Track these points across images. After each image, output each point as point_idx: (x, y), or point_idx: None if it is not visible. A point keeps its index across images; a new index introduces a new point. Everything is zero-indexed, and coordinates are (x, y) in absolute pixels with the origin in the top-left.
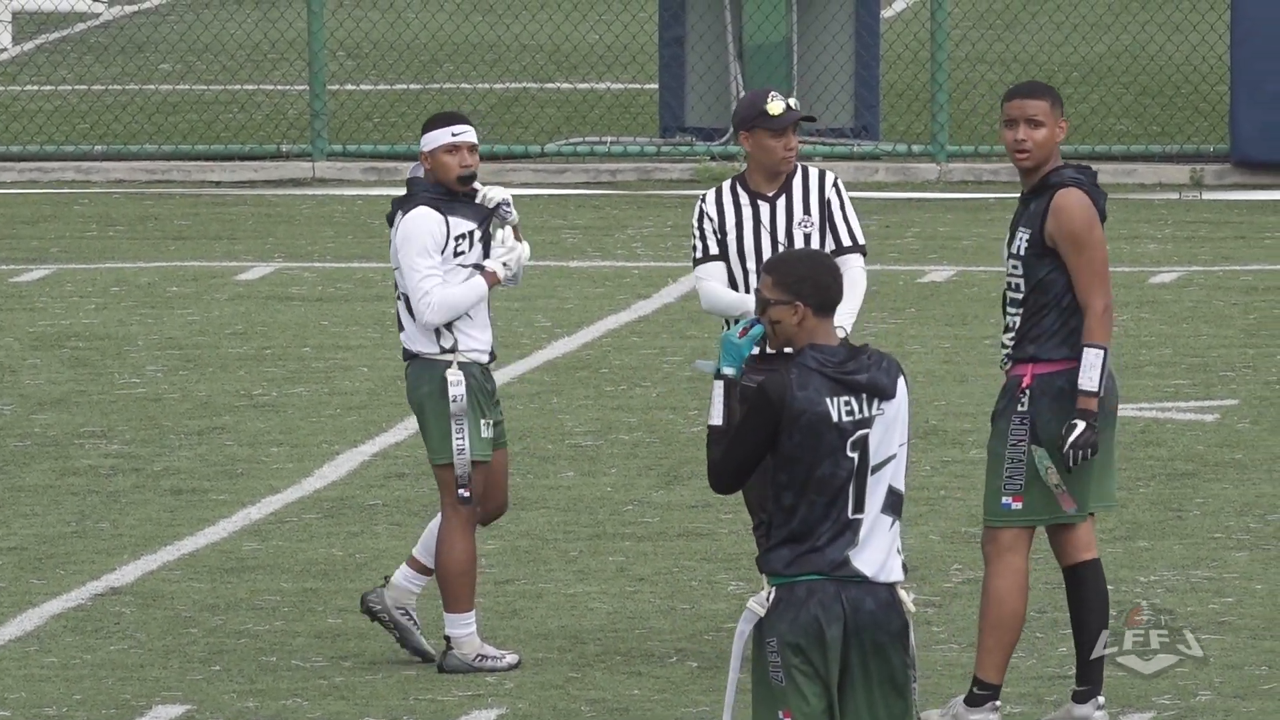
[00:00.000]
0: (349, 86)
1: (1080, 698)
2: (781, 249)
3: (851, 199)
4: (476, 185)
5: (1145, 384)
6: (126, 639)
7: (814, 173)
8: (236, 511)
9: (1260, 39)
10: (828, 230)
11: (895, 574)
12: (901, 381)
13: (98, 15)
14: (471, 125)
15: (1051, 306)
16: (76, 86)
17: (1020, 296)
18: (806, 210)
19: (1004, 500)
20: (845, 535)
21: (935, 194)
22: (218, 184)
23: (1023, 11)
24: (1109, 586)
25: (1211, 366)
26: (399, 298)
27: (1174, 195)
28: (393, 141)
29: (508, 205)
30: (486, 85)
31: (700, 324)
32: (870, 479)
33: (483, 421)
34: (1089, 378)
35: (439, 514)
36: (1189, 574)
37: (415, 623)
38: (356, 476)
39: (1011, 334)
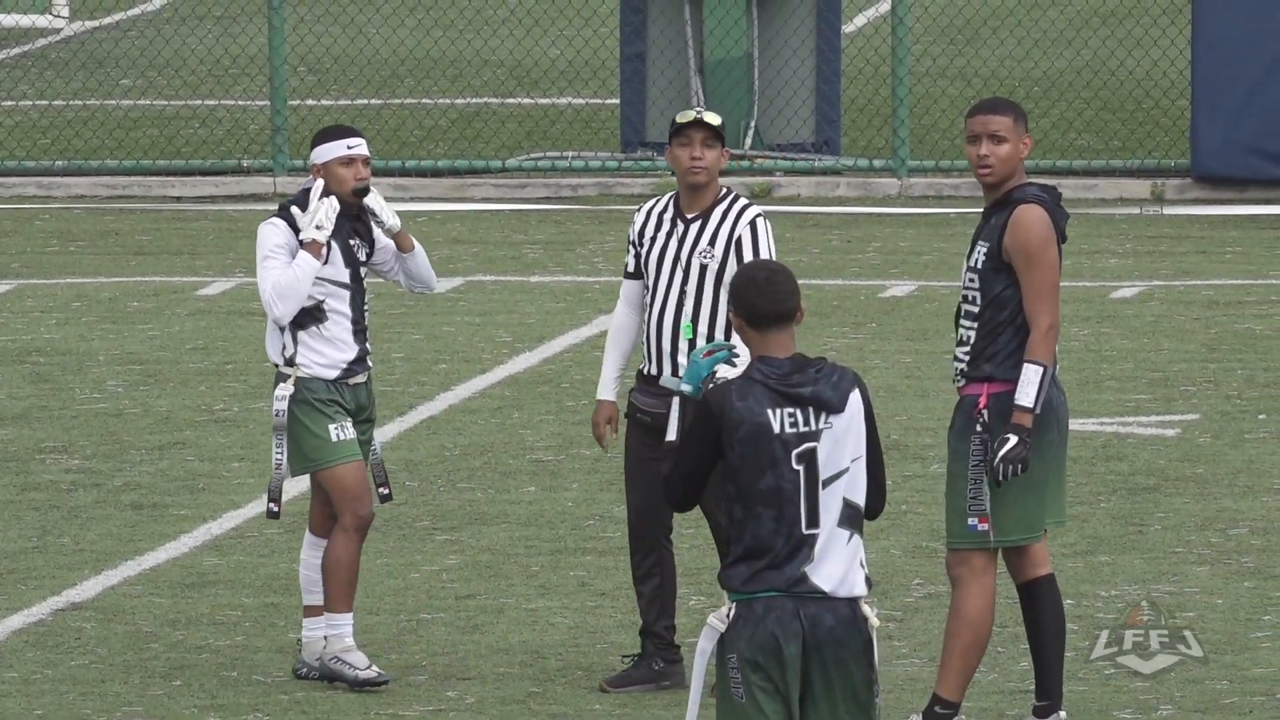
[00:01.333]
0: (310, 101)
1: (1040, 712)
2: (681, 274)
3: (780, 233)
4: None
5: (1106, 399)
6: (87, 654)
7: (738, 206)
8: (198, 526)
9: (1221, 54)
10: (735, 267)
11: (858, 589)
12: (855, 396)
13: (58, 31)
14: (365, 138)
15: (1007, 324)
16: (37, 102)
17: (976, 310)
18: (712, 242)
19: (970, 522)
20: (801, 551)
21: (896, 209)
22: (179, 199)
23: (984, 27)
24: (1069, 601)
25: (1172, 381)
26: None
27: (1135, 210)
28: None
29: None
30: (448, 100)
31: None
32: (822, 493)
33: (331, 426)
34: (1026, 394)
35: (307, 557)
36: (1150, 588)
37: (346, 661)
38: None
39: (965, 348)
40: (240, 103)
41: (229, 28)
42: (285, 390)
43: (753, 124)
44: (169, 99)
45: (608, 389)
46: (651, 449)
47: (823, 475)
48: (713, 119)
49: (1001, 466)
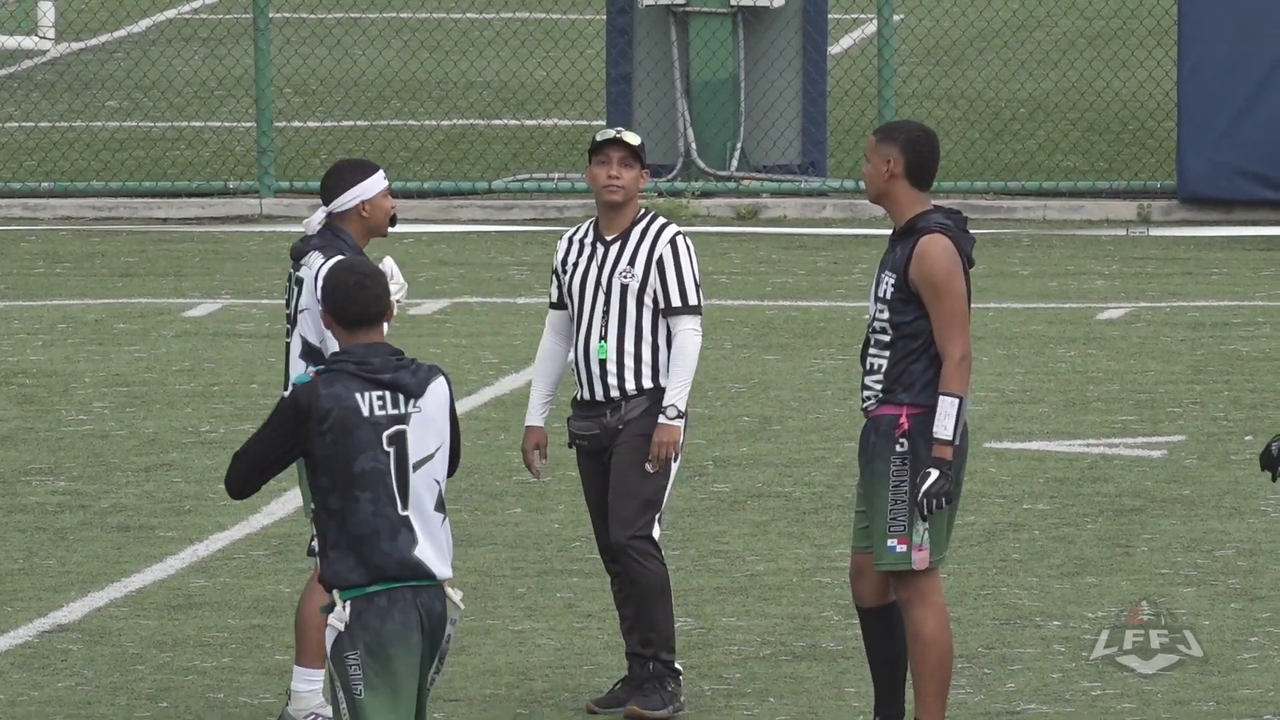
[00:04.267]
0: (296, 123)
1: None
2: (603, 296)
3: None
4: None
5: (1092, 420)
6: (74, 676)
7: (657, 225)
8: (184, 548)
9: (1207, 76)
10: (658, 287)
11: (447, 571)
12: (439, 385)
13: (44, 52)
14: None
15: (921, 353)
16: (23, 123)
17: (887, 339)
18: (631, 262)
19: (889, 543)
20: (402, 533)
21: (883, 230)
22: (165, 221)
23: (970, 48)
24: (1055, 623)
25: (1158, 402)
26: (292, 340)
27: (1121, 231)
28: None
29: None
30: (434, 122)
31: None
32: (413, 476)
33: None
34: (944, 426)
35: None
36: (1122, 611)
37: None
38: (303, 513)
39: (877, 376)
40: (226, 124)
41: (215, 49)
42: None
43: (739, 145)
44: (155, 121)
45: (535, 415)
46: (599, 474)
47: (412, 459)
48: (632, 138)
49: (925, 501)
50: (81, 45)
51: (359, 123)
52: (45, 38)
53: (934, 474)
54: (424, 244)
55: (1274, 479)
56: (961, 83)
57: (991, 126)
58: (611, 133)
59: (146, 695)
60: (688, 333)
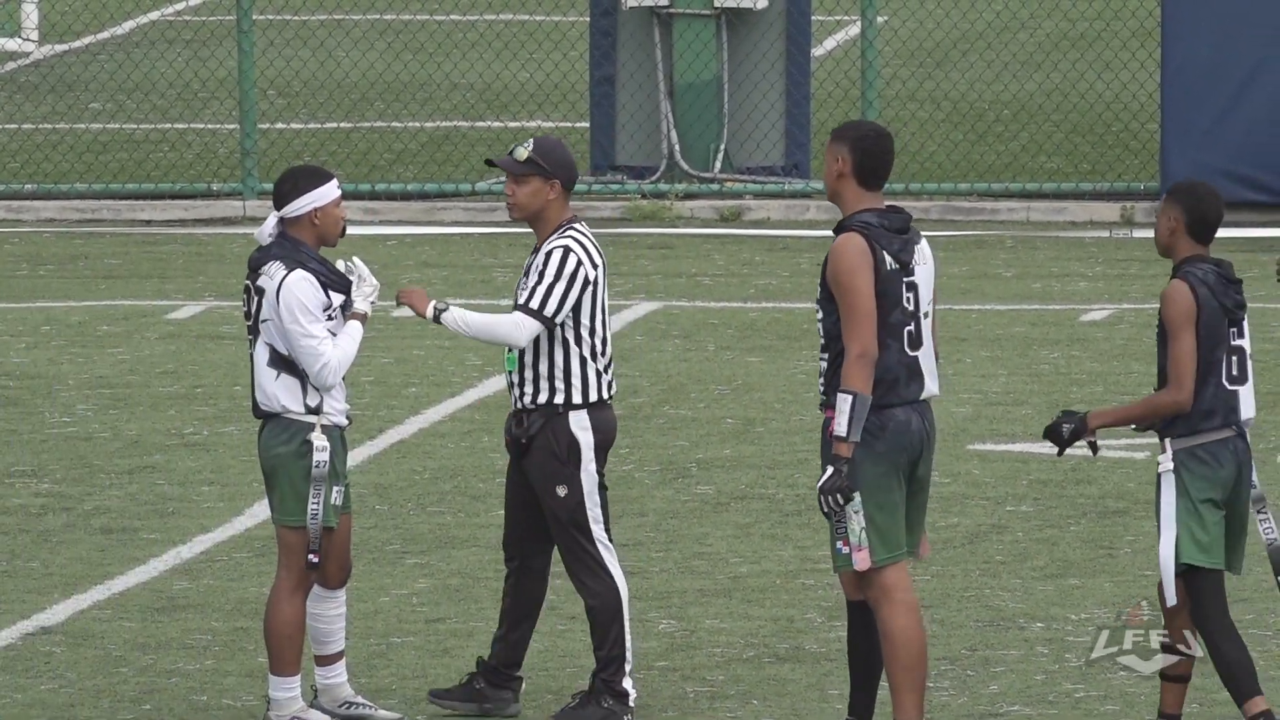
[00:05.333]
0: (280, 125)
1: None
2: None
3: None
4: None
5: None
6: (57, 678)
7: (556, 236)
8: (167, 550)
9: (1190, 77)
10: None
11: None
12: None
13: (28, 54)
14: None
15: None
16: (6, 125)
17: (824, 343)
18: (526, 273)
19: (837, 545)
20: None
21: None
22: (148, 223)
23: (953, 50)
24: (1039, 624)
25: None
26: (256, 351)
27: (1105, 233)
28: None
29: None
30: (417, 124)
31: (630, 362)
32: None
33: (335, 488)
34: (839, 423)
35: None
36: (1120, 612)
37: (364, 703)
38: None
39: (821, 380)
40: (210, 126)
41: (198, 51)
42: (320, 440)
43: (722, 147)
44: (138, 123)
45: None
46: (515, 472)
47: None
48: (520, 154)
49: (820, 498)
50: (65, 47)
51: (342, 124)
52: (29, 39)
53: (828, 471)
54: (407, 246)
55: (1059, 454)
56: (945, 84)
57: (975, 128)
58: (496, 159)
59: (130, 697)
60: (517, 315)
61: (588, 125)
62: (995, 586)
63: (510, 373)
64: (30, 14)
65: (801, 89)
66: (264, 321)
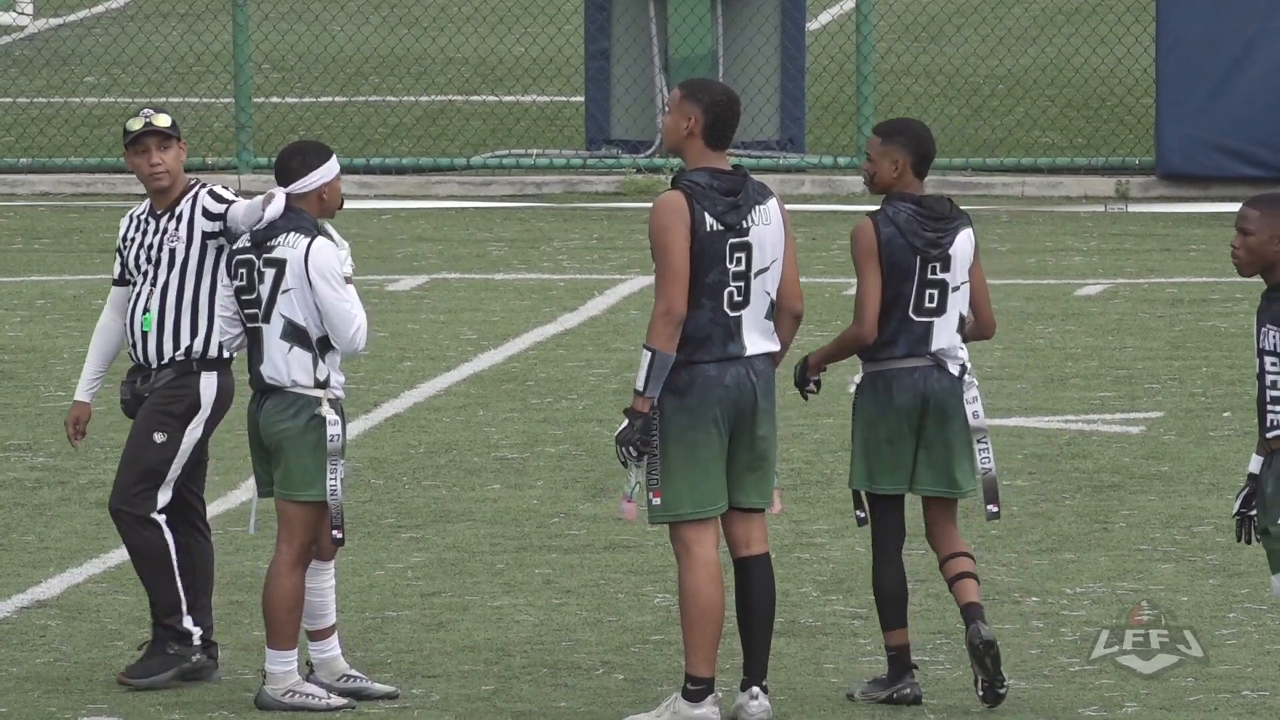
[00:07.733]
0: (274, 99)
1: (743, 685)
2: (152, 265)
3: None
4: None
5: (1071, 396)
6: (52, 652)
7: (204, 194)
8: None
9: (1185, 51)
10: (197, 252)
11: None
12: None
13: (22, 28)
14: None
15: None
16: (1, 99)
17: None
18: (178, 227)
19: (649, 496)
20: None
21: (861, 206)
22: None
23: (948, 24)
24: (1034, 599)
25: (1137, 379)
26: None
27: (1100, 208)
28: None
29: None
30: (412, 98)
31: (625, 337)
32: None
33: (342, 462)
34: (639, 378)
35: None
36: (1115, 586)
37: (359, 676)
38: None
39: None
40: (205, 100)
41: (193, 25)
42: (333, 414)
43: None
44: (133, 96)
45: (82, 391)
46: (132, 433)
47: None
48: (162, 121)
49: (617, 449)
50: (60, 21)
51: (337, 99)
52: (23, 13)
53: (624, 423)
54: (402, 220)
55: (804, 399)
56: (940, 59)
57: (970, 103)
58: (141, 121)
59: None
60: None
61: (583, 99)
62: (990, 560)
63: (146, 333)
64: None
65: (796, 63)
66: (285, 292)
